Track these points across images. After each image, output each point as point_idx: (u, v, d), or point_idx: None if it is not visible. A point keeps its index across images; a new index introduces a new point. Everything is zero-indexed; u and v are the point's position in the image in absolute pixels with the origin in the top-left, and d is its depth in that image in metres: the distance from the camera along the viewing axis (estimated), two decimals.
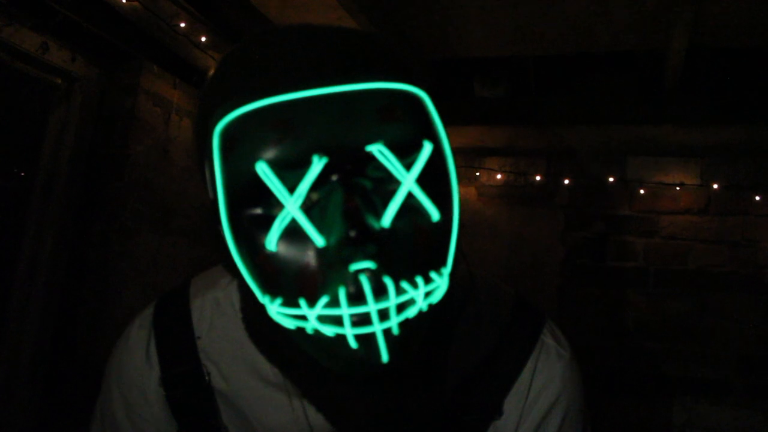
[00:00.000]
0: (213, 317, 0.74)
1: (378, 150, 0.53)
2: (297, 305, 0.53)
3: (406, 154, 0.54)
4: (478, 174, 3.52)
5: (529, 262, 3.40)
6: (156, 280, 2.52)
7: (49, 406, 2.23)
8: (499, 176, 3.48)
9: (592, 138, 3.21)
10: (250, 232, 0.54)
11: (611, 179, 3.29)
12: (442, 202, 0.57)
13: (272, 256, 0.53)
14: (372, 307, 0.50)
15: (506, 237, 3.47)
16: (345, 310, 0.50)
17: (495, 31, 2.75)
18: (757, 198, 3.11)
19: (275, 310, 0.54)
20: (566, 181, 3.35)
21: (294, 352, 0.62)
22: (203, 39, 2.33)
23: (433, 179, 0.56)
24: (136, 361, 0.76)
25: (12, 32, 2.09)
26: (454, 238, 0.58)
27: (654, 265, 3.25)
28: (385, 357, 0.52)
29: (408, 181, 0.53)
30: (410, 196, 0.54)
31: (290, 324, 0.54)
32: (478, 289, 0.74)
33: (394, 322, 0.52)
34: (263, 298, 0.55)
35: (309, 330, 0.54)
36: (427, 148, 0.55)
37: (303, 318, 0.53)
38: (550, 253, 3.38)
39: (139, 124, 2.40)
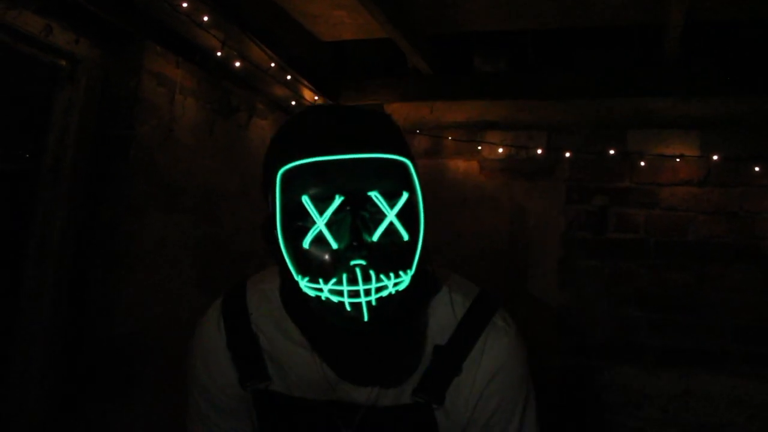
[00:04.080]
0: (260, 302, 1.09)
1: (374, 195, 0.89)
2: (317, 282, 0.88)
3: (392, 198, 0.90)
4: (479, 148, 3.54)
5: (530, 235, 3.44)
6: (164, 258, 2.56)
7: (63, 385, 2.28)
8: (500, 150, 3.50)
9: (593, 111, 3.22)
10: (294, 236, 0.90)
11: (612, 152, 3.31)
12: (411, 229, 0.91)
13: (305, 251, 0.89)
14: (361, 287, 0.85)
15: (508, 210, 3.50)
16: (344, 288, 0.86)
17: (495, 6, 2.75)
18: (757, 169, 3.14)
19: (304, 284, 0.90)
20: (567, 155, 3.37)
21: (312, 321, 0.97)
22: (205, 18, 2.33)
23: (406, 214, 0.91)
24: (211, 333, 1.10)
25: (15, 15, 2.10)
26: (418, 252, 0.92)
27: (654, 236, 3.28)
28: (366, 317, 0.86)
29: (390, 216, 0.89)
30: (391, 224, 0.89)
31: (312, 293, 0.89)
32: (446, 284, 1.08)
33: (372, 297, 0.86)
34: (297, 277, 0.90)
35: (323, 297, 0.88)
36: (405, 196, 0.91)
37: (320, 290, 0.88)
38: (551, 226, 3.42)
39: (144, 104, 2.42)
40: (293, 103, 3.15)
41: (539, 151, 3.41)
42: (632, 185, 3.35)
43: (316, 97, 3.26)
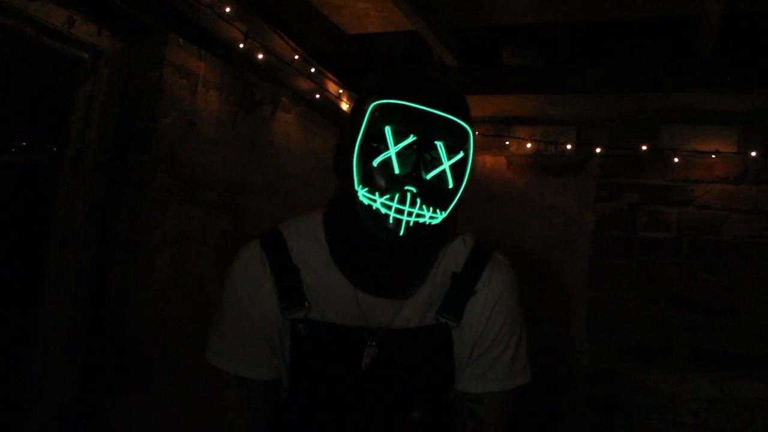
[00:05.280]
0: (299, 239, 1.23)
1: (439, 144, 1.09)
2: (374, 194, 1.08)
3: (450, 152, 1.10)
4: (507, 143, 3.47)
5: (559, 233, 3.36)
6: (185, 252, 2.54)
7: (84, 377, 2.28)
8: (528, 145, 3.42)
9: (624, 106, 3.13)
10: (367, 155, 1.09)
11: (644, 148, 3.21)
12: (457, 180, 1.12)
13: (373, 168, 1.08)
14: (406, 208, 1.05)
15: (536, 207, 3.43)
16: (394, 204, 1.06)
17: None
18: None
19: (362, 193, 1.09)
20: (598, 150, 3.28)
21: (350, 241, 1.17)
22: (228, 10, 2.30)
23: (457, 168, 1.12)
24: (255, 265, 1.22)
25: (38, 7, 2.09)
26: (455, 200, 1.13)
27: (687, 235, 3.18)
28: (401, 232, 1.06)
29: (445, 165, 1.10)
30: (444, 171, 1.10)
31: (366, 201, 1.08)
32: (461, 233, 1.30)
33: (411, 219, 1.06)
34: (357, 186, 1.10)
35: (374, 207, 1.07)
36: (460, 154, 1.12)
37: (373, 200, 1.08)
38: (580, 224, 3.33)
39: (166, 96, 2.40)
40: (317, 96, 3.11)
41: (569, 147, 3.33)
42: (665, 182, 3.25)
43: (341, 90, 3.22)
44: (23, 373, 2.24)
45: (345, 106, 3.30)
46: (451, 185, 1.10)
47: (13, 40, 2.13)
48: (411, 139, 1.06)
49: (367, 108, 1.09)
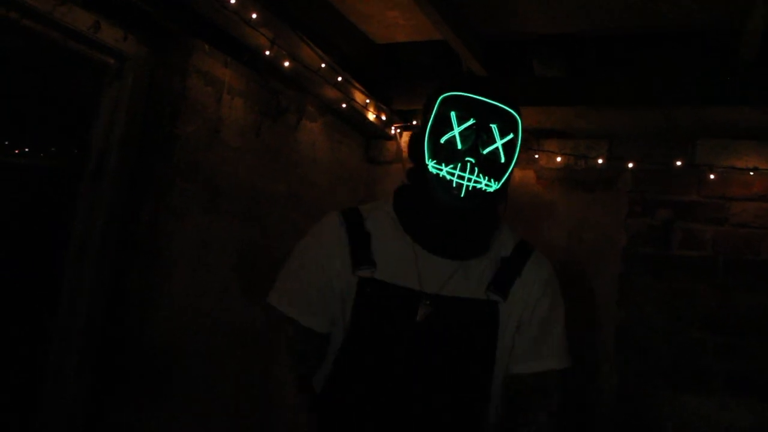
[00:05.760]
0: (371, 211, 1.43)
1: (494, 127, 1.33)
2: (440, 165, 1.31)
3: (503, 134, 1.33)
4: (536, 156, 3.39)
5: (589, 249, 3.27)
6: (206, 261, 2.50)
7: (99, 387, 2.24)
8: (558, 159, 3.34)
9: (657, 120, 3.04)
10: (436, 134, 1.34)
11: (678, 163, 3.11)
12: (508, 156, 1.35)
13: (441, 145, 1.33)
14: (467, 174, 1.29)
15: (566, 222, 3.34)
16: (456, 171, 1.30)
17: (553, 7, 2.62)
18: None
19: (431, 165, 1.32)
20: (630, 165, 3.19)
21: (414, 214, 1.39)
22: (254, 16, 2.28)
23: (507, 147, 1.35)
24: (334, 227, 1.40)
25: (65, 11, 2.08)
26: (507, 173, 1.36)
27: (723, 254, 3.06)
28: (462, 194, 1.29)
29: (498, 143, 1.33)
30: (497, 148, 1.33)
31: (434, 171, 1.31)
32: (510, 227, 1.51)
33: (471, 184, 1.29)
34: (428, 160, 1.33)
35: (440, 175, 1.30)
36: (510, 135, 1.35)
37: (440, 170, 1.31)
38: (611, 240, 3.23)
39: (190, 103, 2.38)
40: (344, 105, 3.07)
41: (599, 161, 3.24)
42: (700, 199, 3.14)
43: (368, 100, 3.17)
44: (38, 379, 2.21)
45: (372, 115, 3.25)
46: (503, 160, 1.33)
47: (40, 43, 2.13)
48: (471, 122, 1.31)
49: (437, 99, 1.35)
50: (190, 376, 2.45)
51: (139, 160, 2.36)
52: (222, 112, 2.53)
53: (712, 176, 3.09)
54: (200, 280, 2.49)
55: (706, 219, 3.11)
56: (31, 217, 2.27)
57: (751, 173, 3.02)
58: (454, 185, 1.29)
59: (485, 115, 1.31)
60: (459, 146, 1.31)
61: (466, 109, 1.32)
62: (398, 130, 3.53)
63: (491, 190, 1.32)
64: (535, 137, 3.41)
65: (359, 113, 3.20)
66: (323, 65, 2.73)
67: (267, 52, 2.48)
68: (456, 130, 1.31)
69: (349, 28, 2.98)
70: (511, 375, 1.40)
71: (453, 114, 1.31)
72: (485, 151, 1.31)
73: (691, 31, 2.70)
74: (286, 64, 2.57)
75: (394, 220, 1.41)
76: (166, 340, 2.35)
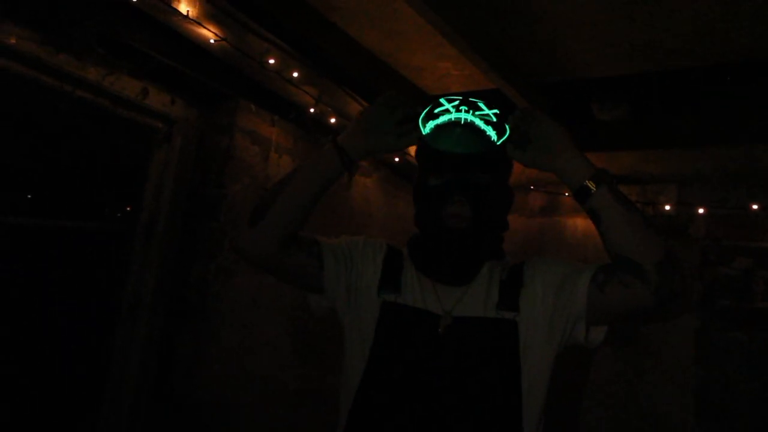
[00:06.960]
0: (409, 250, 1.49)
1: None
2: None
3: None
4: None
5: None
6: (255, 321, 2.48)
7: None
8: None
9: (730, 160, 2.83)
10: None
11: (756, 206, 2.88)
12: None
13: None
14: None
15: None
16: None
17: (610, 49, 2.50)
18: None
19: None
20: (701, 210, 2.98)
21: (421, 253, 1.44)
22: (295, 74, 2.28)
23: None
24: (379, 245, 1.49)
25: (114, 80, 2.15)
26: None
27: None
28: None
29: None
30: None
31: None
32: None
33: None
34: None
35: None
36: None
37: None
38: (685, 292, 3.01)
39: (236, 162, 2.39)
40: (396, 159, 3.03)
41: (668, 207, 3.05)
42: None
43: None
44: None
45: None
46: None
47: (90, 111, 2.20)
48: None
49: (424, 129, 1.41)
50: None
51: (188, 220, 2.38)
52: (269, 170, 2.53)
53: None
54: (249, 339, 2.46)
55: None
56: (85, 278, 2.31)
57: None
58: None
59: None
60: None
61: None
62: None
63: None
64: None
65: (415, 166, 3.15)
66: None
67: (312, 110, 2.48)
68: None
69: (400, 80, 2.96)
70: (593, 305, 1.37)
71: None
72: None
73: (763, 59, 2.52)
74: (332, 120, 2.56)
75: (409, 260, 1.48)
76: (211, 401, 2.32)
